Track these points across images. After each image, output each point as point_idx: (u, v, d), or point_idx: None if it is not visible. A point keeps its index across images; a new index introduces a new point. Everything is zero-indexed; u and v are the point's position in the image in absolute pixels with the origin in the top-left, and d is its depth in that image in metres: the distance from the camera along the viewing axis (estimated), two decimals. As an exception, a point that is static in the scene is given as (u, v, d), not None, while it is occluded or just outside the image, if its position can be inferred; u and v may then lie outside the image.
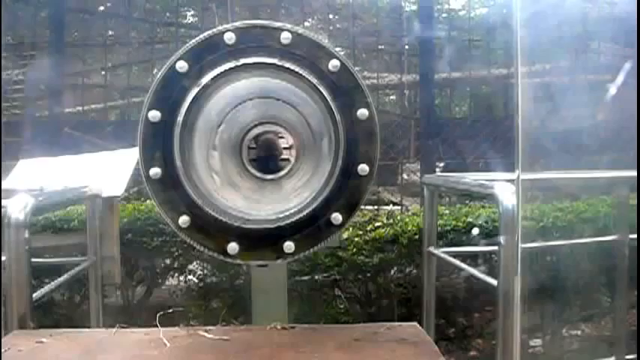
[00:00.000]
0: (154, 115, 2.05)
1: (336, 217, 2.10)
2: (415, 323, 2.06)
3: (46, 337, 1.97)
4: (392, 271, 3.84)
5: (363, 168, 2.12)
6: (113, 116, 7.87)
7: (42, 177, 3.30)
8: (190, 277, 3.97)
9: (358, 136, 2.12)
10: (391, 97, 10.00)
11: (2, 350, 1.85)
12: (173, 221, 2.09)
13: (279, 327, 2.03)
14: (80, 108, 6.31)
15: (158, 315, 2.17)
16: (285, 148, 2.35)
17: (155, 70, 7.33)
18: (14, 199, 2.21)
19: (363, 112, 2.12)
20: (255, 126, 2.36)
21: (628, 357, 3.61)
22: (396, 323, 2.05)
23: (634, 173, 3.68)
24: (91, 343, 1.92)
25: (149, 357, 1.77)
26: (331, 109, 2.10)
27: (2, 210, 2.18)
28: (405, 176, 6.77)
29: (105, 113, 7.32)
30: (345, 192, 2.11)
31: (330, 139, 2.15)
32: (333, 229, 2.12)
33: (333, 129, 2.12)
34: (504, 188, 2.34)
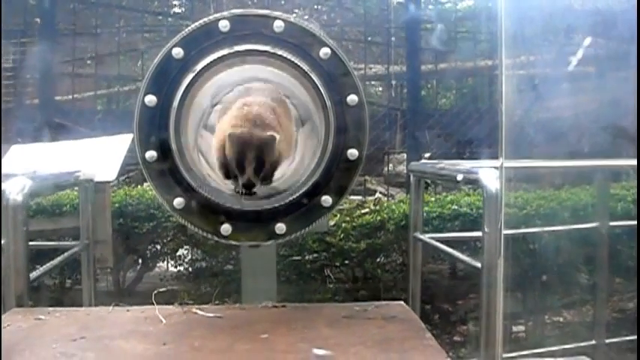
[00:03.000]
0: (151, 99, 2.11)
1: (326, 200, 2.17)
2: (402, 302, 2.14)
3: (44, 314, 2.03)
4: (379, 256, 3.92)
5: (353, 152, 2.19)
6: (101, 105, 7.88)
7: (34, 162, 3.34)
8: (180, 261, 4.03)
9: (348, 122, 2.20)
10: (378, 89, 10.07)
11: (3, 326, 1.91)
12: (168, 203, 2.15)
13: (270, 305, 2.10)
14: (69, 96, 6.33)
15: (154, 293, 2.24)
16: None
17: (140, 62, 7.38)
18: (12, 181, 2.25)
19: (352, 99, 2.19)
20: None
21: (608, 341, 3.71)
22: (384, 302, 2.13)
23: (614, 162, 3.79)
24: (89, 319, 1.98)
25: (146, 332, 1.83)
26: (322, 95, 2.18)
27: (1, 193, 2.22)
28: (390, 166, 6.85)
29: (93, 102, 7.34)
30: (335, 175, 2.19)
31: (320, 124, 2.22)
32: (323, 211, 2.19)
33: (323, 114, 2.19)
34: (488, 173, 2.42)
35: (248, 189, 2.06)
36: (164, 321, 1.93)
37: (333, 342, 1.69)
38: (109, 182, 3.30)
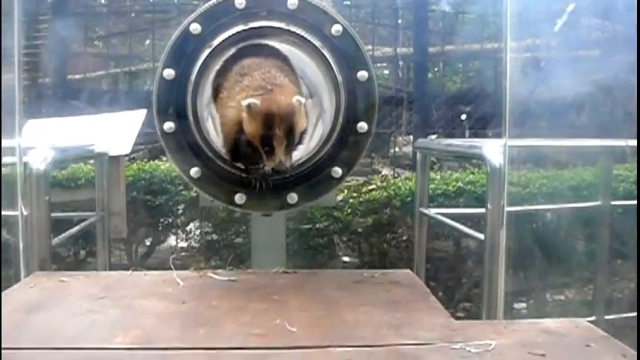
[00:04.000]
0: (169, 73, 2.19)
1: (336, 171, 2.27)
2: (408, 270, 2.23)
3: (66, 277, 2.12)
4: (385, 231, 4.01)
5: (362, 126, 2.28)
6: (107, 85, 7.96)
7: (52, 136, 3.43)
8: (191, 234, 4.14)
9: (358, 96, 2.28)
10: (385, 72, 10.11)
11: (29, 287, 2.01)
12: (185, 173, 2.25)
13: (281, 271, 2.20)
14: (79, 75, 6.41)
15: (171, 257, 2.33)
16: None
17: (148, 41, 7.43)
18: (35, 151, 2.35)
19: (362, 74, 2.27)
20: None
21: (607, 317, 3.79)
22: (391, 270, 2.22)
23: (616, 142, 3.85)
24: (109, 282, 2.08)
25: (165, 293, 1.92)
26: (333, 70, 2.26)
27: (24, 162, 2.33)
28: (396, 148, 6.92)
29: (103, 80, 7.42)
30: (345, 148, 2.28)
31: (331, 99, 2.30)
32: (334, 182, 2.29)
33: (334, 89, 2.27)
34: (492, 150, 2.50)
35: (280, 173, 1.95)
36: (181, 283, 2.02)
37: (344, 303, 1.79)
38: (123, 156, 3.39)
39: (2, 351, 1.43)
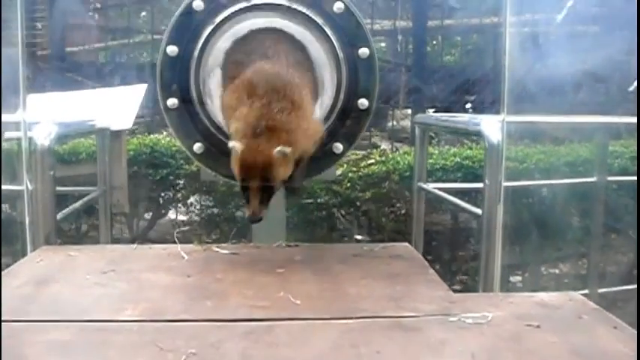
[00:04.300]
0: (172, 49, 2.23)
1: (337, 147, 2.31)
2: (406, 244, 2.28)
3: (73, 251, 2.17)
4: (383, 205, 4.06)
5: (363, 102, 2.32)
6: (107, 57, 7.92)
7: (53, 110, 3.45)
8: (192, 208, 4.18)
9: (359, 73, 2.32)
10: (382, 44, 10.08)
11: (36, 261, 2.06)
12: (188, 148, 2.29)
13: (283, 245, 2.24)
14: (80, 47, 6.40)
15: (175, 232, 2.38)
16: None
17: (144, 13, 7.38)
18: (39, 127, 2.38)
19: (364, 51, 2.31)
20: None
21: (600, 290, 3.86)
22: (390, 243, 2.27)
23: (613, 119, 3.88)
24: (115, 255, 2.12)
25: (170, 267, 1.97)
26: (335, 47, 2.29)
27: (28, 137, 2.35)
28: (395, 122, 6.95)
29: (101, 53, 7.40)
30: (346, 124, 2.32)
31: (332, 76, 2.34)
32: (335, 157, 2.34)
33: (335, 66, 2.31)
34: (491, 126, 2.53)
35: (252, 222, 1.94)
36: (186, 257, 2.07)
37: (345, 276, 1.84)
38: (124, 130, 3.42)
39: (14, 324, 1.48)
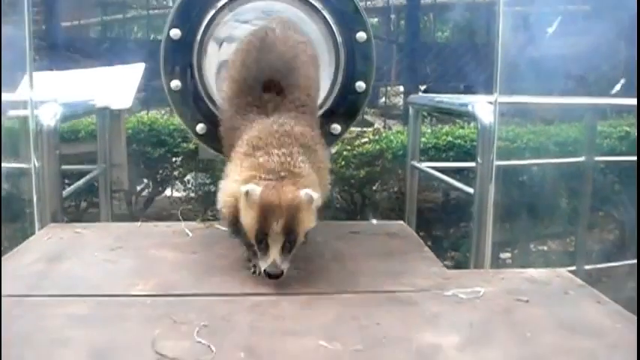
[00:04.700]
0: (175, 32, 2.29)
1: (335, 128, 2.39)
2: (402, 222, 2.38)
3: (80, 229, 2.24)
4: (377, 183, 4.15)
5: (360, 85, 2.40)
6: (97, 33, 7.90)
7: (51, 89, 3.49)
8: (190, 185, 4.25)
9: (356, 57, 2.39)
10: (374, 20, 10.09)
11: (45, 239, 2.13)
12: (191, 128, 2.36)
13: (283, 222, 2.32)
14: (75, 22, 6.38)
15: (180, 210, 2.45)
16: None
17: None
18: (45, 106, 2.44)
19: (361, 35, 2.38)
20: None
21: (587, 267, 3.97)
22: (385, 221, 2.37)
23: (602, 100, 3.97)
24: (122, 233, 2.19)
25: (176, 244, 2.05)
26: (333, 31, 2.36)
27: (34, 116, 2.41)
28: (387, 99, 7.01)
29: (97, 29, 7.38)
30: (344, 106, 2.40)
31: (330, 59, 2.41)
32: (333, 138, 2.42)
33: (334, 49, 2.38)
34: (484, 107, 2.61)
35: (273, 277, 1.56)
36: (190, 234, 2.15)
37: (344, 252, 1.92)
38: (124, 109, 3.47)
39: (32, 298, 1.56)
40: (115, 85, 3.57)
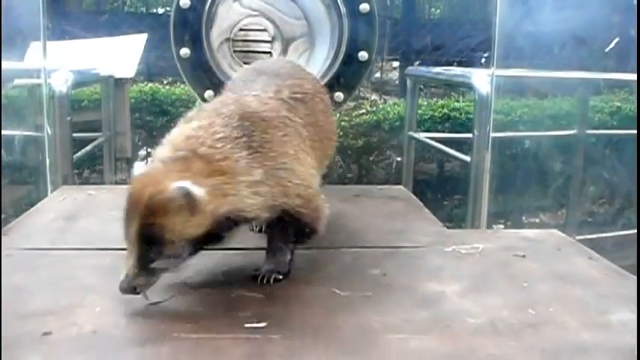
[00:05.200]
0: (185, 2, 2.36)
1: (339, 96, 2.48)
2: (401, 186, 2.47)
3: (91, 190, 2.32)
4: (374, 153, 4.24)
5: (363, 55, 2.48)
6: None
7: (55, 58, 3.55)
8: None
9: (359, 27, 2.47)
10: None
11: (59, 199, 2.21)
12: (199, 95, 2.44)
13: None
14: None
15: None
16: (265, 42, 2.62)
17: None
18: (57, 74, 2.51)
19: (364, 7, 2.46)
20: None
21: (578, 237, 4.08)
22: (386, 186, 2.46)
23: (596, 75, 4.05)
24: (133, 195, 2.27)
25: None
26: (337, 2, 2.44)
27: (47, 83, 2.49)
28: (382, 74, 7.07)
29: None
30: (347, 75, 2.48)
31: (334, 29, 2.49)
32: (336, 105, 2.50)
33: (337, 20, 2.46)
34: (481, 78, 2.70)
35: (122, 291, 1.22)
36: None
37: (349, 213, 2.02)
38: (128, 78, 3.54)
39: (56, 251, 1.64)
40: (118, 55, 3.64)
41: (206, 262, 1.49)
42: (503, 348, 1.12)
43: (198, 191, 1.18)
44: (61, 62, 2.85)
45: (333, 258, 1.60)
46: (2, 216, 2.16)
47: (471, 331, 1.19)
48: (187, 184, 1.17)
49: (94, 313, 1.26)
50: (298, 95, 1.52)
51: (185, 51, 2.39)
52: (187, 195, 1.17)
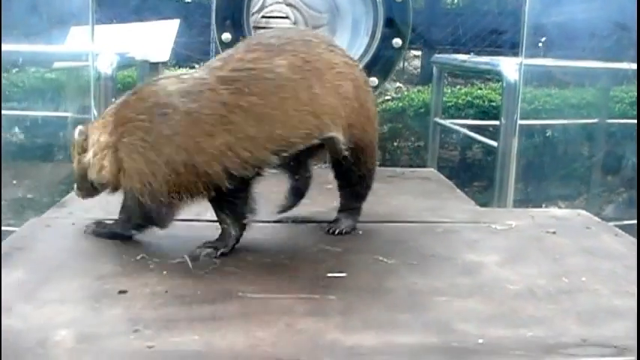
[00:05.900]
0: (228, -12, 2.46)
1: (373, 81, 2.57)
2: (432, 168, 2.57)
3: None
4: (400, 139, 4.33)
5: (397, 41, 2.58)
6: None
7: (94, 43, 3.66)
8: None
9: (394, 15, 2.57)
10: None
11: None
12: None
13: (324, 167, 2.50)
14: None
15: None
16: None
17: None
18: (103, 56, 2.62)
19: (399, -5, 2.55)
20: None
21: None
22: (418, 168, 2.56)
23: (617, 65, 4.09)
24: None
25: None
26: (373, -10, 2.54)
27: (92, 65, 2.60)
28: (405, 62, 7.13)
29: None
30: (381, 60, 2.58)
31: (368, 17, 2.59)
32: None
33: (372, 8, 2.56)
34: (510, 66, 2.78)
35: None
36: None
37: (385, 192, 2.12)
38: (162, 62, 3.64)
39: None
40: (152, 39, 3.73)
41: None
42: (543, 310, 1.23)
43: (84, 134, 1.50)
44: (103, 45, 2.95)
45: (375, 232, 1.70)
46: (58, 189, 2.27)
47: (512, 295, 1.29)
48: (90, 129, 1.52)
49: (162, 275, 1.37)
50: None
51: (227, 36, 2.49)
52: (84, 136, 1.51)
